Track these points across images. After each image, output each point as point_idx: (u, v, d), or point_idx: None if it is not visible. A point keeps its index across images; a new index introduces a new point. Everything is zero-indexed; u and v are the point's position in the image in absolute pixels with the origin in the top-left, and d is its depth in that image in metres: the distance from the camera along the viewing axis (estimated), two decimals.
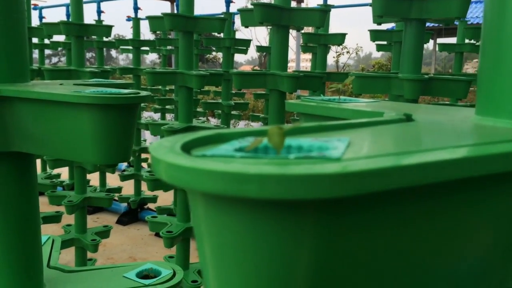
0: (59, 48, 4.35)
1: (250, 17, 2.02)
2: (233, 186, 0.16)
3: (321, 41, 3.12)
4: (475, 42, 3.24)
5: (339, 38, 3.14)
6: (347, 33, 3.20)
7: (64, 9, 4.84)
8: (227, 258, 0.18)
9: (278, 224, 0.17)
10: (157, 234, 3.50)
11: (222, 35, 3.48)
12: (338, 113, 0.40)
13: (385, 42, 3.27)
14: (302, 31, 3.04)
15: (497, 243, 0.27)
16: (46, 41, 4.26)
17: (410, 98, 1.65)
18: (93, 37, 3.81)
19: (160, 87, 4.62)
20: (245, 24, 2.07)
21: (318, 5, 3.63)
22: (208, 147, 0.23)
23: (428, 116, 0.37)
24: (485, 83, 0.36)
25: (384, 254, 0.24)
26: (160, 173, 0.18)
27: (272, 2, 1.89)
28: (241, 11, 2.08)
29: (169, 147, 0.20)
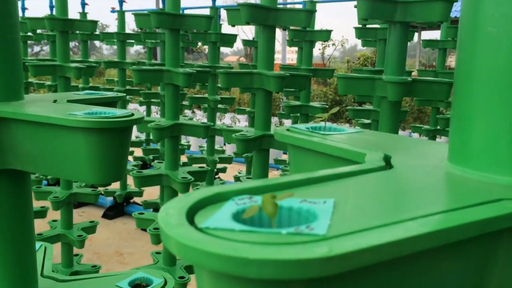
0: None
1: (237, 16, 2.04)
2: (236, 268, 0.19)
3: (307, 37, 3.14)
4: None
5: (325, 35, 3.17)
6: (332, 30, 3.23)
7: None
8: None
9: None
10: (143, 229, 3.51)
11: None
12: (323, 149, 0.43)
13: (370, 39, 3.30)
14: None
15: None
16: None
17: (393, 100, 1.69)
18: None
19: None
20: (232, 23, 2.08)
21: (303, 1, 3.64)
22: (209, 210, 0.25)
23: (405, 159, 0.40)
24: (455, 135, 0.39)
25: None
26: (171, 248, 0.21)
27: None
28: (228, 10, 2.09)
29: (176, 216, 0.23)
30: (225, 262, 0.19)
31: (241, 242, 0.20)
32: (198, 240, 0.20)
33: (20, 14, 4.40)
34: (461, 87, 0.38)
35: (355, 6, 1.70)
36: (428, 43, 3.61)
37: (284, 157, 4.79)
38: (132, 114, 0.61)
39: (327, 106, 3.36)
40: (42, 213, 2.98)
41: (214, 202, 0.26)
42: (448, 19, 1.69)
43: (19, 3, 4.53)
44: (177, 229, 0.21)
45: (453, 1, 1.65)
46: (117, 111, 0.61)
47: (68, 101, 0.72)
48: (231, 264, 0.19)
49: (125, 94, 0.96)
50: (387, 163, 0.37)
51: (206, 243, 0.20)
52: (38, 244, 0.93)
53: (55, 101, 0.70)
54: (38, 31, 4.01)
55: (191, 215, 0.24)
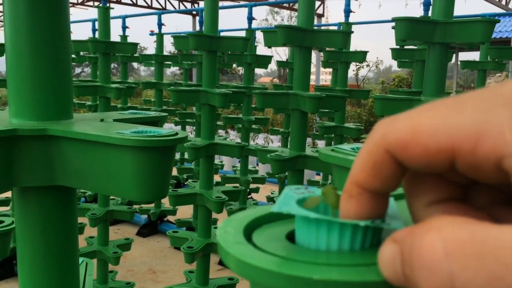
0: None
1: (273, 38, 2.06)
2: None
3: (342, 59, 3.14)
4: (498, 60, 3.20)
5: (360, 56, 3.16)
6: (368, 51, 3.22)
7: (90, 23, 4.97)
8: None
9: None
10: (176, 247, 3.53)
11: None
12: None
13: (406, 60, 3.26)
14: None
15: None
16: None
17: None
18: None
19: None
20: (268, 45, 2.10)
21: (339, 23, 3.66)
22: (266, 228, 0.25)
23: None
24: None
25: None
26: (230, 266, 0.21)
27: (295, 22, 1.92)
28: (265, 32, 2.11)
29: (234, 234, 0.23)
30: (288, 282, 0.19)
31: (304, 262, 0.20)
32: (258, 260, 0.20)
33: (121, 32, 4.58)
34: None
35: (393, 27, 1.69)
36: (467, 64, 3.53)
37: (317, 178, 4.75)
38: (177, 133, 0.62)
39: (362, 127, 3.32)
40: (80, 230, 3.05)
41: (270, 221, 0.26)
42: (489, 40, 1.65)
43: None
44: (236, 247, 0.21)
45: (494, 21, 1.62)
46: (162, 130, 0.63)
47: (115, 120, 0.74)
48: (293, 285, 0.19)
49: (167, 114, 0.98)
50: None
51: (268, 263, 0.20)
52: (79, 260, 0.95)
53: (102, 120, 0.73)
54: (81, 53, 4.18)
55: (248, 233, 0.24)
